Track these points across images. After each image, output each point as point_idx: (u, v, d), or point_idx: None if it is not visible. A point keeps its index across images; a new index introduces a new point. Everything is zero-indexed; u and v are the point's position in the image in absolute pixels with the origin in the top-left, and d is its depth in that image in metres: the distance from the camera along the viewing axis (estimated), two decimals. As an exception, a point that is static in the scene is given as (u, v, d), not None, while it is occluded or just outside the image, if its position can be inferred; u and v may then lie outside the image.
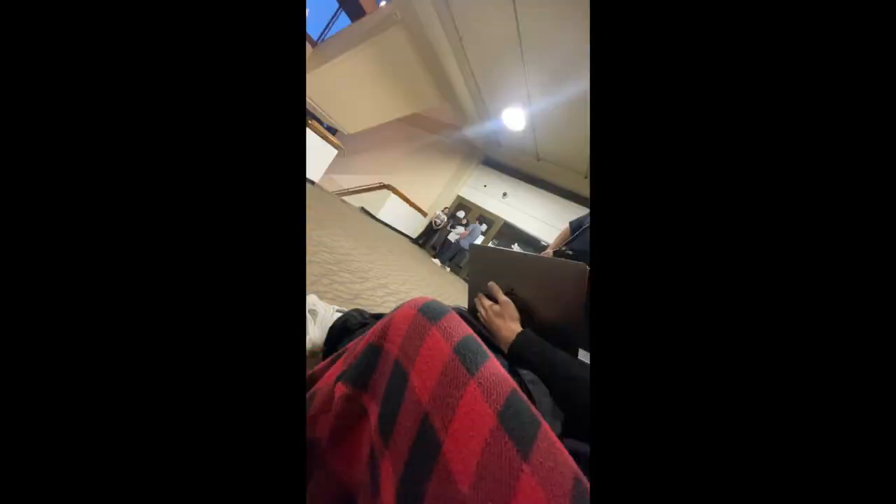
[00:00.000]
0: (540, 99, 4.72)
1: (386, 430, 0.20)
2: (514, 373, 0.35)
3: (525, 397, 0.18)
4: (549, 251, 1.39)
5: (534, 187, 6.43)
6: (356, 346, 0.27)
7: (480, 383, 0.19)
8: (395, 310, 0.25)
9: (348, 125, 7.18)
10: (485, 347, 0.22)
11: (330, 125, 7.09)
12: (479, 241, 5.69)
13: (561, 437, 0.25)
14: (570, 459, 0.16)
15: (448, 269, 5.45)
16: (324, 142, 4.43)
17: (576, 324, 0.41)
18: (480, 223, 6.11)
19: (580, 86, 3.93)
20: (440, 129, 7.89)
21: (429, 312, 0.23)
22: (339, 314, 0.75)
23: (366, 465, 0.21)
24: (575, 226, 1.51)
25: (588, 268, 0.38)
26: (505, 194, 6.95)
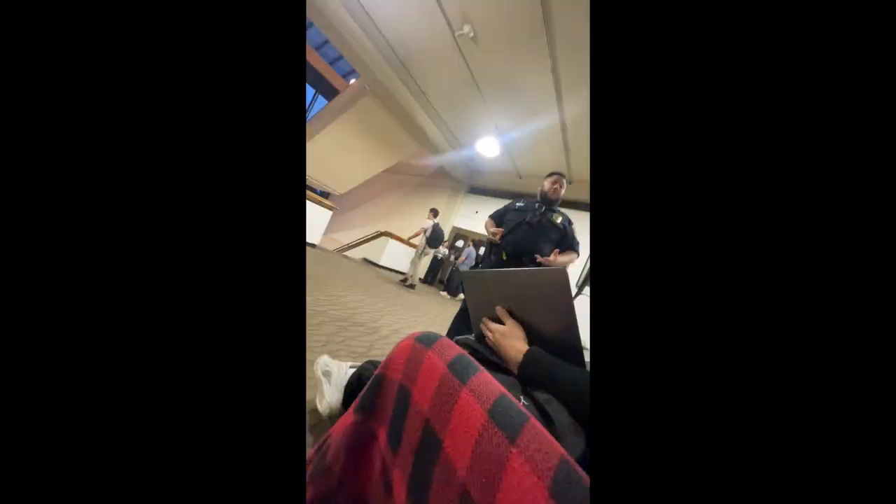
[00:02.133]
0: (508, 126, 5.12)
1: (394, 443, 0.23)
2: (527, 395, 0.35)
3: (514, 398, 0.20)
4: (492, 236, 1.41)
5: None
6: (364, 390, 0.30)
7: (472, 390, 0.22)
8: (395, 346, 0.29)
9: (339, 186, 7.70)
10: (476, 363, 0.25)
11: (322, 190, 7.61)
12: (473, 256, 5.71)
13: (586, 450, 0.25)
14: (558, 445, 0.18)
15: (458, 298, 5.35)
16: (319, 207, 4.72)
17: (573, 330, 0.41)
18: (476, 247, 6.19)
19: (546, 117, 4.31)
20: (424, 171, 8.41)
21: (424, 340, 0.27)
22: (353, 370, 0.74)
23: (379, 476, 0.24)
24: (496, 217, 1.55)
25: (567, 270, 0.40)
26: (476, 212, 7.20)
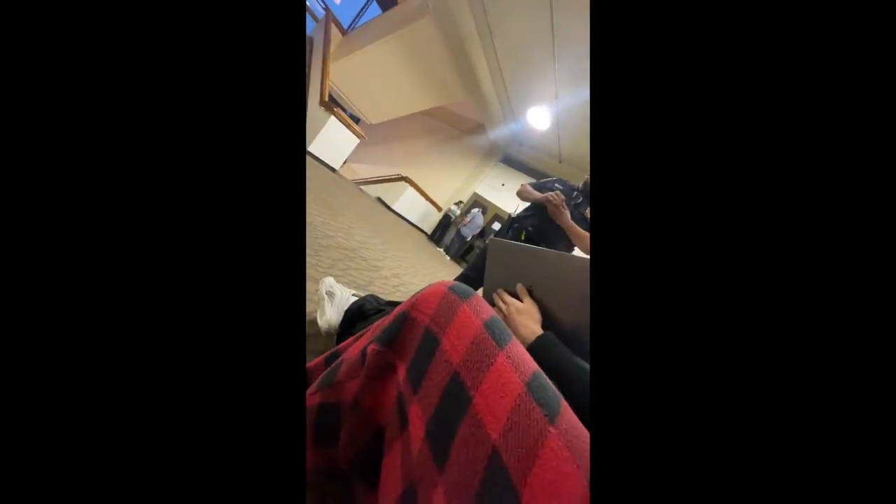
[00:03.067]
0: (568, 97, 4.56)
1: (415, 381, 0.23)
2: None
3: (547, 378, 0.19)
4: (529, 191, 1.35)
5: (553, 189, 6.28)
6: (382, 322, 0.29)
7: (509, 357, 0.21)
8: (423, 289, 0.27)
9: (372, 115, 7.23)
10: (508, 329, 0.24)
11: (353, 114, 7.17)
12: (479, 223, 5.68)
13: None
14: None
15: (450, 260, 5.44)
16: (347, 130, 4.50)
17: (588, 328, 0.40)
18: (482, 211, 6.07)
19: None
20: (462, 125, 7.82)
21: (458, 291, 0.26)
22: (355, 298, 0.76)
23: (393, 405, 0.24)
24: (536, 187, 1.45)
25: None
26: (503, 184, 6.93)
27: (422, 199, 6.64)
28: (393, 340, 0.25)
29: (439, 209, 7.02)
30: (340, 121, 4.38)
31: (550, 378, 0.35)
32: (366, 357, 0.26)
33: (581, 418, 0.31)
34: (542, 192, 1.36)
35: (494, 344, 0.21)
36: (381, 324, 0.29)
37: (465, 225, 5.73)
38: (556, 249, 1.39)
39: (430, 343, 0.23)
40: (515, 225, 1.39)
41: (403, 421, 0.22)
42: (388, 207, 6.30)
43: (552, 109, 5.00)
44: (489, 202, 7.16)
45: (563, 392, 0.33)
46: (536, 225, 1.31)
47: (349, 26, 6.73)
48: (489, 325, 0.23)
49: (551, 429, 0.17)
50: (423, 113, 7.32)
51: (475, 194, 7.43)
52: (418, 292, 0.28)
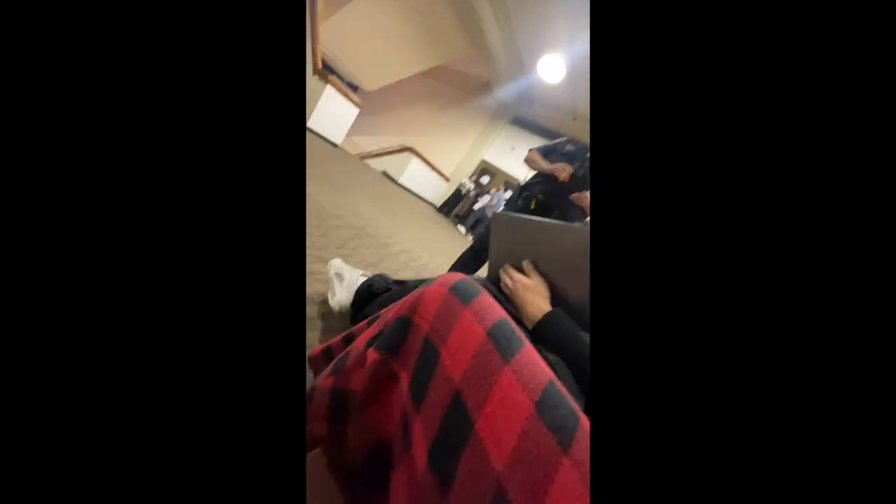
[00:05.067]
0: (585, 38, 4.02)
1: (417, 396, 0.21)
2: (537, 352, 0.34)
3: (564, 389, 0.17)
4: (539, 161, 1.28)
5: (567, 150, 5.88)
6: (387, 313, 0.28)
7: (515, 371, 0.18)
8: (425, 285, 0.25)
9: (369, 81, 6.77)
10: (520, 334, 0.21)
11: (350, 81, 6.73)
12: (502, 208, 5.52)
13: None
14: None
15: (470, 237, 5.40)
16: (345, 100, 4.26)
17: None
18: (505, 190, 5.84)
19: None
20: (467, 84, 7.20)
21: (460, 293, 0.23)
22: (364, 278, 0.77)
23: (398, 420, 0.23)
24: (543, 153, 1.35)
25: None
26: (513, 148, 6.52)
27: (428, 169, 6.42)
28: (394, 347, 0.24)
29: (446, 179, 6.80)
30: (337, 90, 4.13)
31: (557, 352, 0.34)
32: (368, 356, 0.25)
33: (582, 385, 0.30)
34: (552, 156, 1.25)
35: (499, 357, 0.19)
36: (386, 313, 0.28)
37: (490, 207, 5.54)
38: (568, 216, 1.30)
39: (430, 355, 0.21)
40: (525, 193, 1.31)
41: (408, 438, 0.21)
42: (395, 181, 6.16)
43: (566, 56, 4.46)
44: (499, 169, 6.82)
45: (567, 362, 0.33)
46: (546, 192, 1.23)
47: (335, -24, 6.01)
48: (493, 334, 0.20)
49: (564, 459, 0.15)
50: (424, 74, 6.75)
51: (483, 162, 7.08)
52: (421, 289, 0.25)
